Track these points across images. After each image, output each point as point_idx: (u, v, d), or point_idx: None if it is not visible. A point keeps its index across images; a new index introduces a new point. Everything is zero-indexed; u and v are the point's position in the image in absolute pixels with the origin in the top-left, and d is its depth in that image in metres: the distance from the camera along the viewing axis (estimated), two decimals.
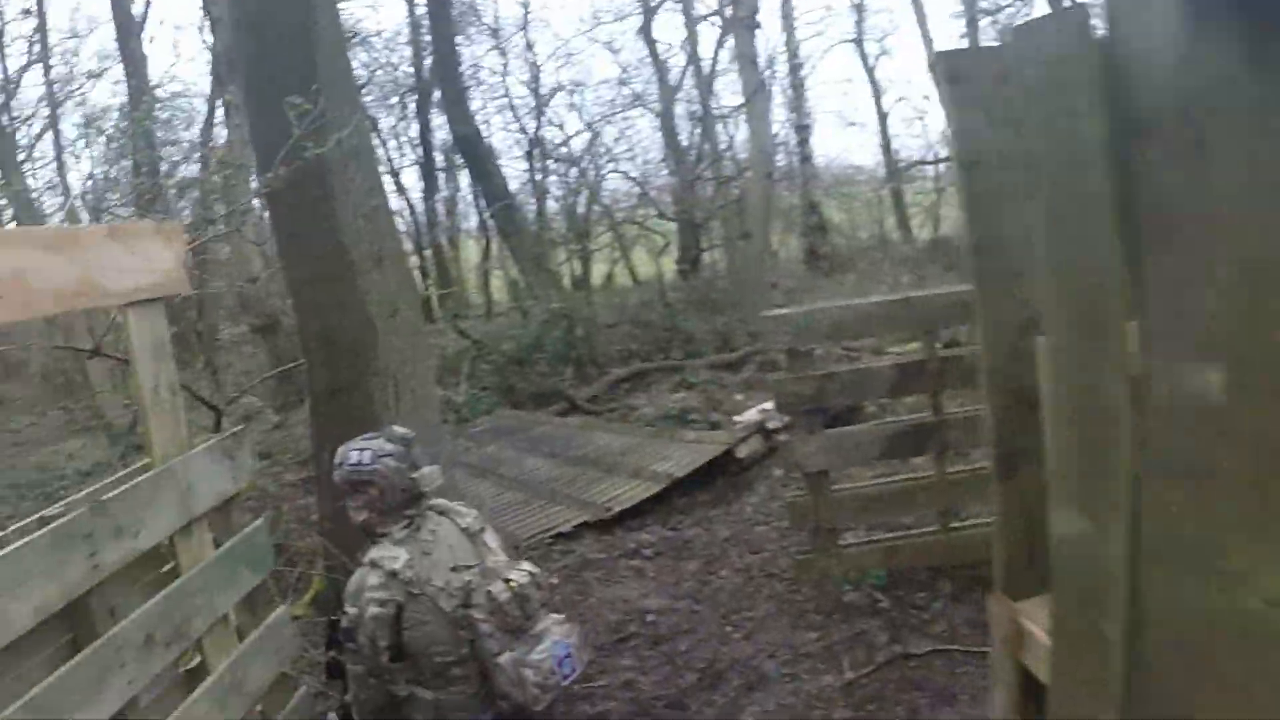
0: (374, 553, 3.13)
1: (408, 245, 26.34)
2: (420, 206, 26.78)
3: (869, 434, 5.48)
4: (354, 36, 16.48)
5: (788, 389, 5.30)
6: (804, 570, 5.56)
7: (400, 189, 26.51)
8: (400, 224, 27.72)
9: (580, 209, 22.42)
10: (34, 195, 16.45)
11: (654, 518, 7.34)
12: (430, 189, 26.38)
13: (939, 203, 24.99)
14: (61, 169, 21.68)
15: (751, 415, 8.78)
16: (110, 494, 2.72)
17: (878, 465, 6.20)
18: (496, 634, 3.08)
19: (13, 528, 2.60)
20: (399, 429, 3.33)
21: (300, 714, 3.62)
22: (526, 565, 3.26)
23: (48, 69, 19.15)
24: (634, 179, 19.01)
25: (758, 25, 15.61)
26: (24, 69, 19.28)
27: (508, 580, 3.11)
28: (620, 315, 13.92)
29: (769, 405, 8.97)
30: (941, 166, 24.89)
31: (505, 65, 22.43)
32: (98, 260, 2.74)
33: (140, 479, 2.85)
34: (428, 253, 25.61)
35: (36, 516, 2.63)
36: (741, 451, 8.23)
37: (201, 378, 8.83)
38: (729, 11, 16.63)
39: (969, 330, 8.84)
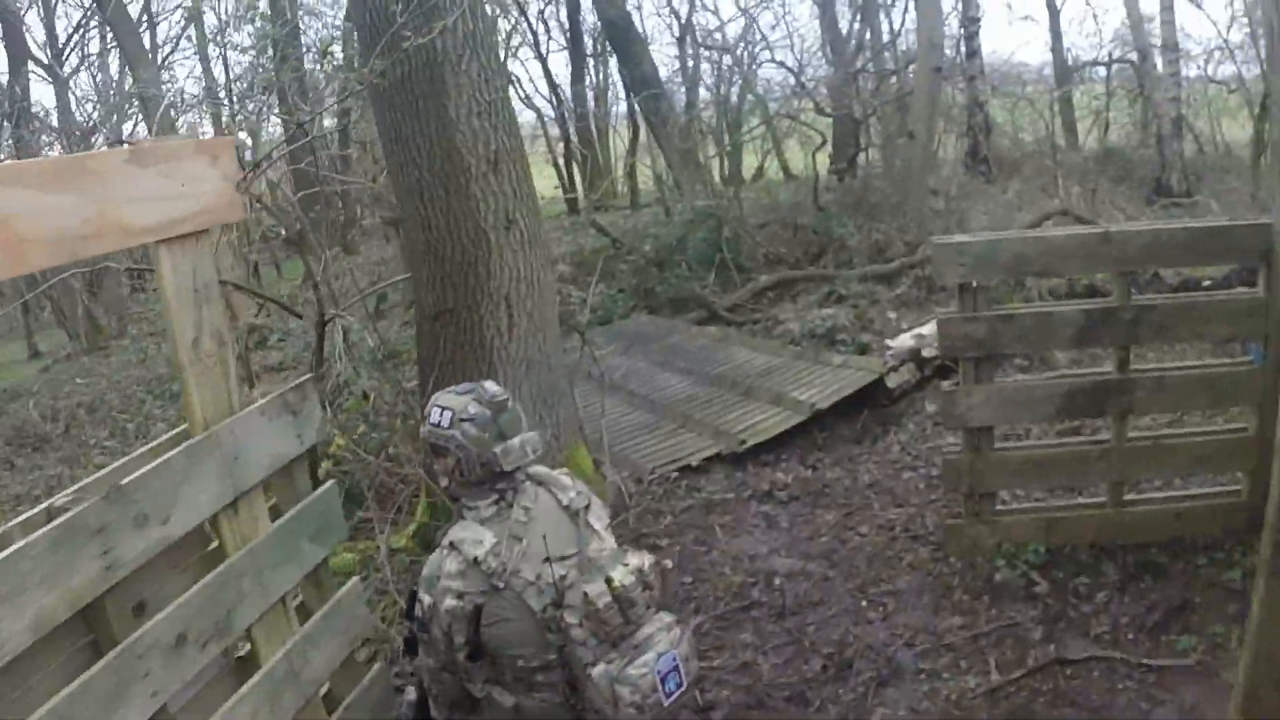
0: (455, 532, 2.68)
1: (555, 132, 26.09)
2: (569, 93, 26.32)
3: (1044, 388, 4.69)
4: None
5: (956, 330, 4.54)
6: (954, 537, 4.90)
7: (548, 75, 26.05)
8: (549, 111, 27.42)
9: (733, 99, 21.39)
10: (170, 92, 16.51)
11: (791, 452, 6.74)
12: (578, 75, 25.74)
13: (1108, 108, 22.88)
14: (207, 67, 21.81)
15: (905, 340, 7.99)
16: (132, 475, 2.30)
17: (1048, 425, 5.40)
18: (591, 642, 2.58)
19: (14, 522, 2.21)
20: (492, 387, 2.79)
21: (376, 691, 3.26)
22: (634, 558, 2.70)
23: None
24: (789, 69, 17.78)
25: None
26: None
27: (609, 580, 2.58)
28: (770, 215, 13.04)
29: (925, 329, 8.16)
30: (1114, 68, 22.64)
31: None
32: (120, 191, 2.26)
33: (172, 452, 2.42)
34: (575, 143, 25.24)
35: (43, 507, 2.23)
36: (892, 381, 7.50)
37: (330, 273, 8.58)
38: None
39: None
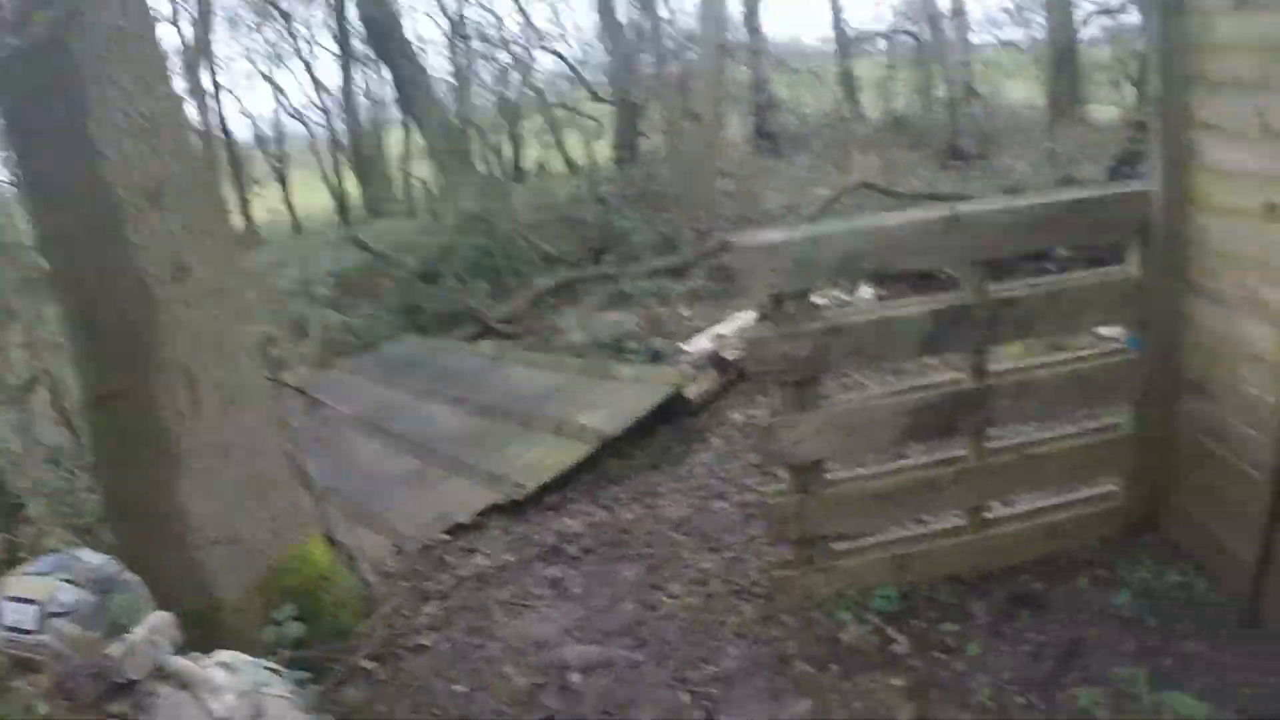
0: None
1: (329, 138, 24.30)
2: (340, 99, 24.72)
3: (885, 408, 3.80)
4: None
5: (771, 351, 3.58)
6: (785, 591, 3.99)
7: (315, 81, 24.31)
8: (320, 119, 25.52)
9: (511, 94, 20.29)
10: None
11: (580, 491, 5.67)
12: (348, 79, 24.10)
13: (892, 78, 23.34)
14: None
15: (702, 343, 7.12)
16: None
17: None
18: None
19: None
20: (91, 557, 1.66)
21: None
22: None
23: None
24: (562, 57, 16.83)
25: None
26: None
27: None
28: (546, 214, 11.98)
29: (723, 328, 7.32)
30: (895, 39, 23.11)
31: None
32: None
33: None
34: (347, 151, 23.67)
35: None
36: (691, 391, 6.59)
37: None
38: None
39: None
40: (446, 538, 5.22)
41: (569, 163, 17.81)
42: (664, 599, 4.34)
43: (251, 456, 4.02)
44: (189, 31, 22.45)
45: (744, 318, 7.40)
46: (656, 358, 7.45)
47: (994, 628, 3.68)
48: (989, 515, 3.99)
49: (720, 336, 7.04)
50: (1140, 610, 3.59)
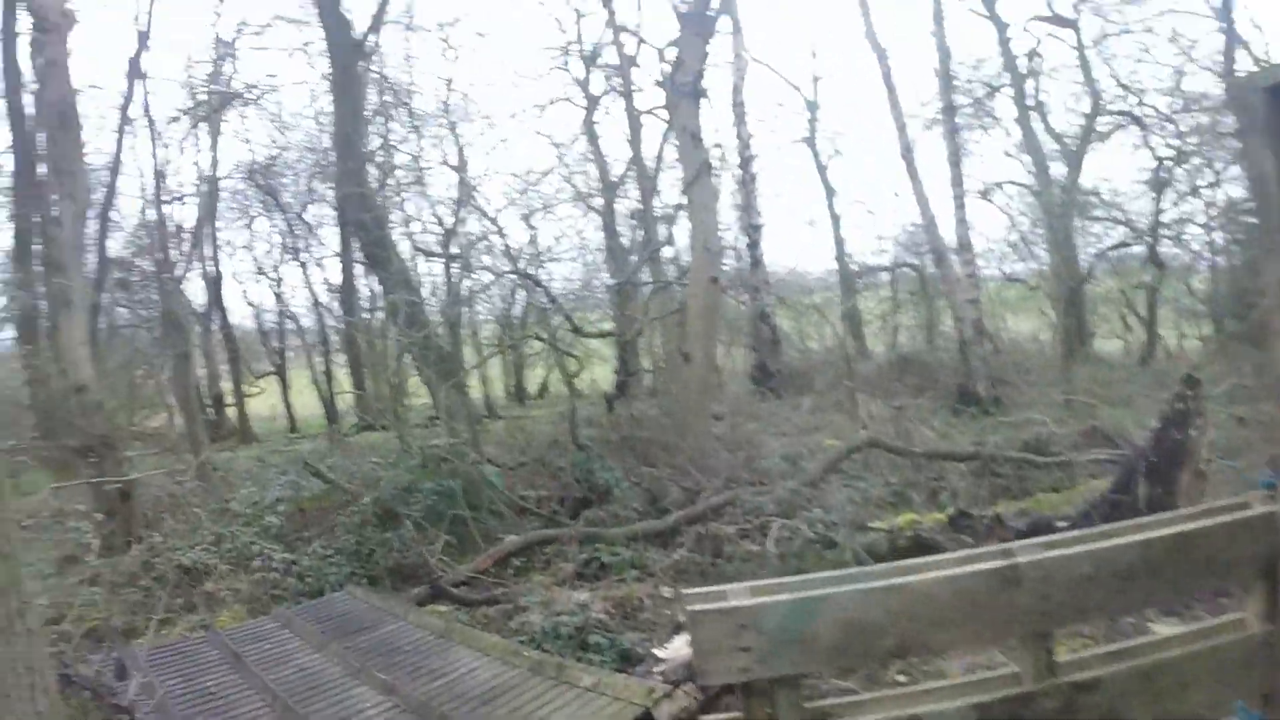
0: None
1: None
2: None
3: None
4: None
5: None
6: None
7: (308, 284, 24.41)
8: (317, 319, 25.34)
9: (515, 310, 19.98)
10: None
11: None
12: (348, 280, 24.09)
13: (895, 312, 23.21)
14: None
15: (680, 649, 6.04)
16: None
17: None
18: None
19: None
20: None
21: None
22: None
23: None
24: (538, 282, 16.42)
25: (703, 93, 13.14)
26: None
27: None
28: (522, 455, 11.08)
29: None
30: (898, 272, 23.14)
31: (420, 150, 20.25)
32: None
33: None
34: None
35: None
36: (663, 714, 5.44)
37: None
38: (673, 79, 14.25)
39: None
40: None
41: (571, 386, 17.26)
42: None
43: None
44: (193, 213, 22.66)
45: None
46: (625, 658, 6.34)
47: None
48: None
49: None
50: None
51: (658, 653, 6.06)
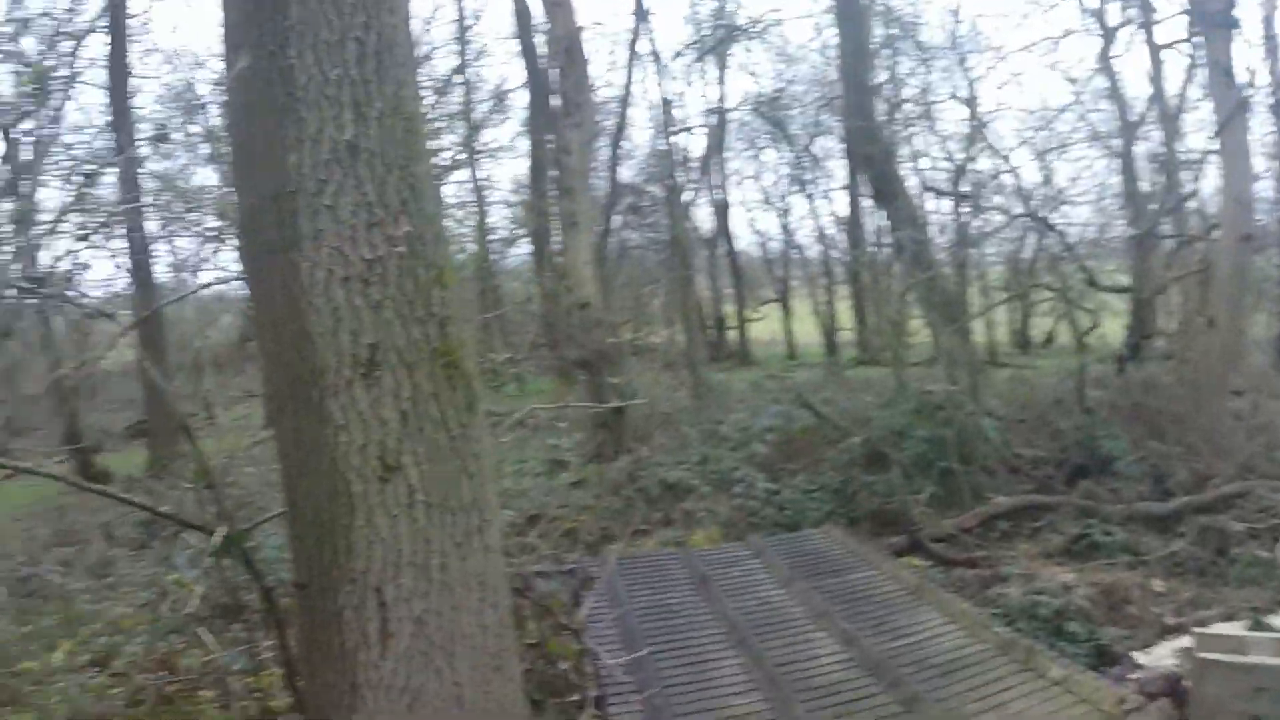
0: None
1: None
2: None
3: None
4: None
5: None
6: None
7: (817, 214, 24.89)
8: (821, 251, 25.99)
9: (1024, 254, 18.78)
10: None
11: None
12: (855, 214, 24.22)
13: None
14: None
15: (1163, 657, 5.39)
16: None
17: None
18: None
19: None
20: None
21: None
22: None
23: None
24: (1053, 228, 15.01)
25: (1236, 24, 11.10)
26: None
27: None
28: (1023, 412, 10.44)
29: (1192, 640, 5.50)
30: None
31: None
32: None
33: None
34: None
35: None
36: None
37: None
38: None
39: None
40: None
41: (1080, 343, 15.86)
42: None
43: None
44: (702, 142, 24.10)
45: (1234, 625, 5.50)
46: (1101, 656, 5.80)
47: None
48: None
49: (1186, 650, 5.27)
50: None
51: (1138, 657, 5.45)
